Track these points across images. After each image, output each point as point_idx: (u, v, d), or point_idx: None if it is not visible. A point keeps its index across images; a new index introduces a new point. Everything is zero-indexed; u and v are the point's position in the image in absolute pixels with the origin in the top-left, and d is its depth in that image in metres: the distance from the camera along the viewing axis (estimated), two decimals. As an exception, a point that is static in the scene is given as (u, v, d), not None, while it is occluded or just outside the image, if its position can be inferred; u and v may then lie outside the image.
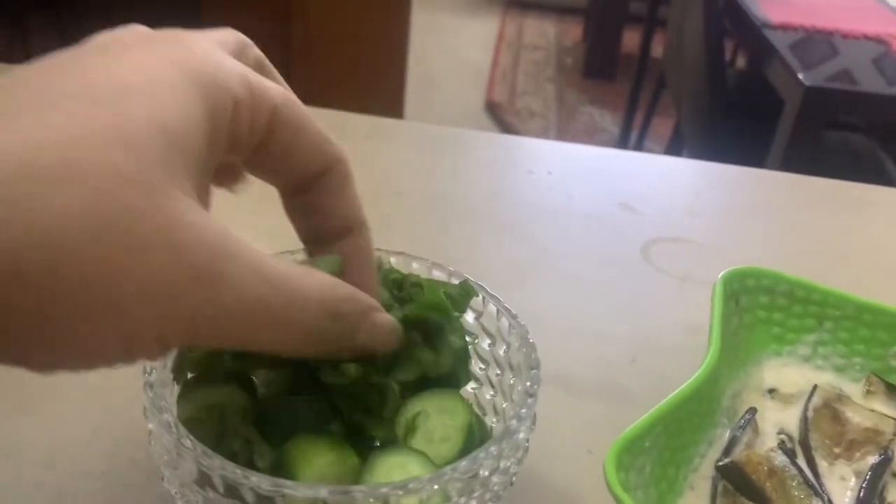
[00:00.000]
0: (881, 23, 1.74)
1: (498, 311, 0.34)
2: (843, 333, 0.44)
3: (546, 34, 3.77)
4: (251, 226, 0.56)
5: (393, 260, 0.35)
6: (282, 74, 0.32)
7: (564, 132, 2.89)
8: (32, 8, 2.66)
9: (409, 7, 1.95)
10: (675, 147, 2.33)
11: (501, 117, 2.94)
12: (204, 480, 0.26)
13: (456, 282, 0.34)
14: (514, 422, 0.29)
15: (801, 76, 1.47)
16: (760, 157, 1.64)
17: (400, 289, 0.33)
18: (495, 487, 0.28)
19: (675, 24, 2.24)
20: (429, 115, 2.66)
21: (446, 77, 3.14)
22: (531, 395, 0.30)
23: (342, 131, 0.71)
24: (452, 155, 0.70)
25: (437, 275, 0.35)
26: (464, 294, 0.33)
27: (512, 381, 0.33)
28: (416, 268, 0.35)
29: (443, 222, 0.60)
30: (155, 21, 0.28)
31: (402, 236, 0.58)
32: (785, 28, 1.69)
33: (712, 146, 1.94)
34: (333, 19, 1.90)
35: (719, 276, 0.44)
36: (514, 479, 0.30)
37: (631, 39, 3.24)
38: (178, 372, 0.30)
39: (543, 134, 2.85)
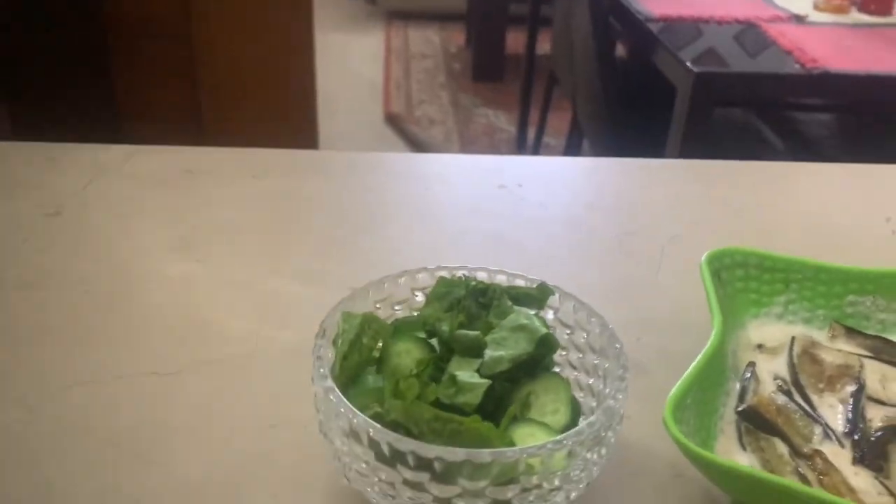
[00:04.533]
0: (751, 8, 1.91)
1: (574, 305, 0.42)
2: (806, 292, 0.54)
3: (431, 42, 3.87)
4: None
5: (481, 275, 0.43)
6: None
7: (465, 137, 3.00)
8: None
9: (311, 33, 2.01)
10: (574, 141, 2.47)
11: (403, 128, 3.01)
12: (395, 458, 0.33)
13: (534, 285, 0.42)
14: (611, 401, 0.37)
15: (689, 64, 1.61)
16: (657, 142, 1.78)
17: (484, 295, 0.41)
18: (608, 443, 0.37)
19: (560, 23, 2.37)
20: (334, 134, 2.71)
21: (343, 94, 3.19)
22: (622, 379, 0.38)
23: (322, 168, 0.77)
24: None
25: (518, 282, 0.43)
26: (542, 294, 0.41)
27: (596, 361, 0.41)
28: (500, 279, 0.43)
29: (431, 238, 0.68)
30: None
31: (405, 258, 0.65)
32: (666, 20, 1.84)
33: (611, 136, 2.08)
34: (239, 58, 1.93)
35: (703, 258, 0.54)
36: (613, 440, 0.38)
37: (514, 40, 3.37)
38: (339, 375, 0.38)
39: (446, 140, 2.95)
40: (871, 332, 0.53)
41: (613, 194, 0.77)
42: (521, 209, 0.72)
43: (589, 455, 0.36)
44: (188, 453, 0.47)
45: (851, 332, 0.53)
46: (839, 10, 1.87)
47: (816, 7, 1.89)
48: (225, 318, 0.57)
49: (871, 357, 0.51)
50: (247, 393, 0.51)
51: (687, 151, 1.69)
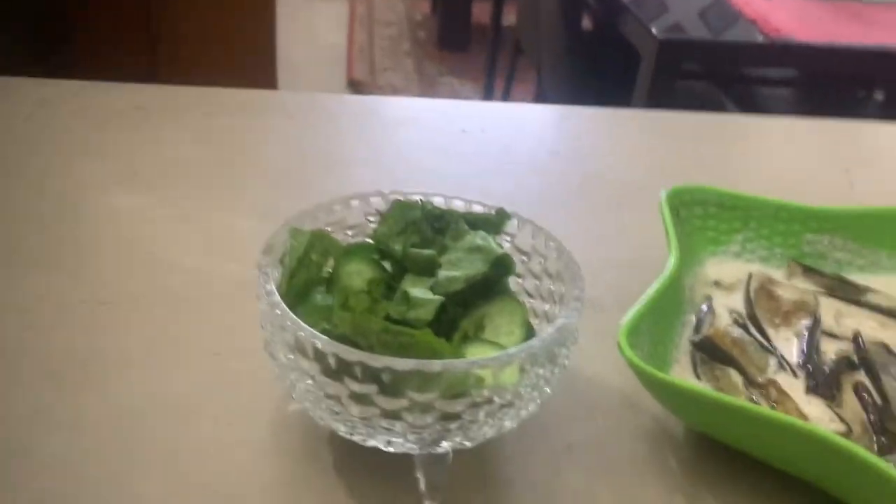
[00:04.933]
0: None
1: (533, 231, 0.41)
2: (764, 230, 0.54)
3: (396, 9, 3.82)
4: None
5: (437, 200, 0.42)
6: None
7: (429, 104, 2.97)
8: None
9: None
10: (539, 108, 2.46)
11: (366, 94, 2.97)
12: (343, 371, 0.32)
13: (492, 211, 0.41)
14: (564, 319, 0.36)
15: (654, 31, 1.61)
16: (622, 107, 1.77)
17: (440, 220, 0.39)
18: (561, 362, 0.36)
19: (527, -8, 2.35)
20: (297, 99, 2.67)
21: (305, 59, 3.14)
22: (578, 299, 0.37)
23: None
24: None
25: (476, 208, 0.42)
26: (500, 219, 0.40)
27: (552, 287, 0.40)
28: (457, 204, 0.42)
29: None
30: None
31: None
32: (632, -13, 1.83)
33: (577, 104, 2.07)
34: (198, 20, 1.89)
35: (662, 195, 0.53)
36: (566, 361, 0.37)
37: (480, 9, 3.34)
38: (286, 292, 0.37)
39: (410, 107, 2.92)
40: (827, 270, 0.53)
41: (576, 141, 0.76)
42: (484, 153, 0.71)
43: (541, 371, 0.35)
44: (128, 381, 0.45)
45: (808, 271, 0.53)
46: (803, -18, 1.88)
47: (781, -21, 1.89)
48: (172, 250, 0.55)
49: (826, 294, 0.51)
50: (191, 322, 0.49)
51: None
